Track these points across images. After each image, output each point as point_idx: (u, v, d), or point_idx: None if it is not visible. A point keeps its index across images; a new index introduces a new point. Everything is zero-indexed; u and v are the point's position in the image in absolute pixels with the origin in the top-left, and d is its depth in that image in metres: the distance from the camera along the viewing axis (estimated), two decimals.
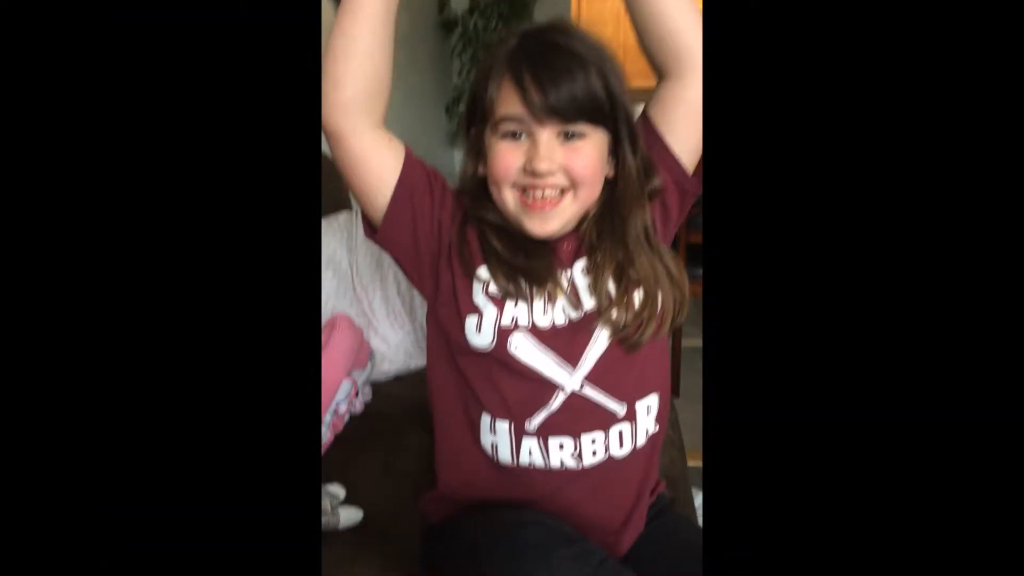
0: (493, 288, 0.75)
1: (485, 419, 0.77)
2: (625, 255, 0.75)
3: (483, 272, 0.75)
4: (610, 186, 0.76)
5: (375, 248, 1.51)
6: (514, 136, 0.72)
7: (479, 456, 0.78)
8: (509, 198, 0.74)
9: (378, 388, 1.40)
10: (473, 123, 0.79)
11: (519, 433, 0.75)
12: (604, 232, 0.76)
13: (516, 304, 0.75)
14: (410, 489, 1.01)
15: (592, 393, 0.75)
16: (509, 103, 0.71)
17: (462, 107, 4.69)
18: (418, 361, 1.50)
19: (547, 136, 0.71)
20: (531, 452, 0.75)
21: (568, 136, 0.72)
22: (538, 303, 0.75)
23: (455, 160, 4.59)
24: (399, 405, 1.32)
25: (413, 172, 0.76)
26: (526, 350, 0.75)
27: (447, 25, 4.22)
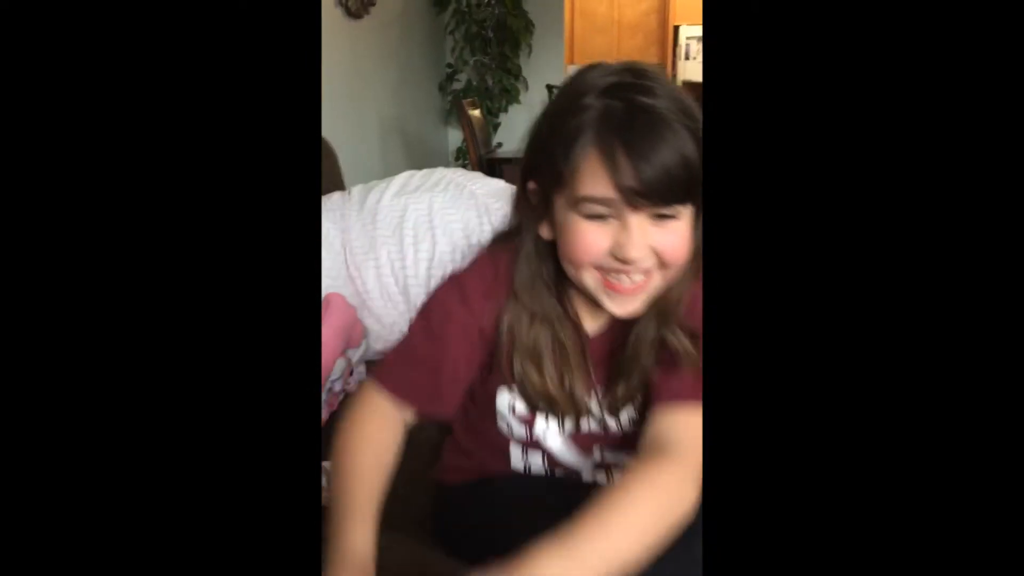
0: (521, 408, 0.77)
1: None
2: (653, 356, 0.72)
3: (509, 395, 0.77)
4: None
5: (368, 227, 1.51)
6: (600, 218, 0.64)
7: (496, 435, 0.82)
8: (588, 279, 0.68)
9: (372, 367, 1.39)
10: (535, 178, 0.70)
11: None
12: (643, 321, 0.71)
13: (546, 418, 0.77)
14: (403, 464, 1.01)
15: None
16: (596, 182, 0.63)
17: (455, 85, 4.68)
18: None
19: (639, 221, 0.63)
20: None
21: (660, 216, 0.64)
22: (569, 419, 0.77)
23: (449, 138, 4.57)
24: None
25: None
26: (553, 440, 0.79)
27: (440, 2, 4.19)
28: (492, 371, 0.77)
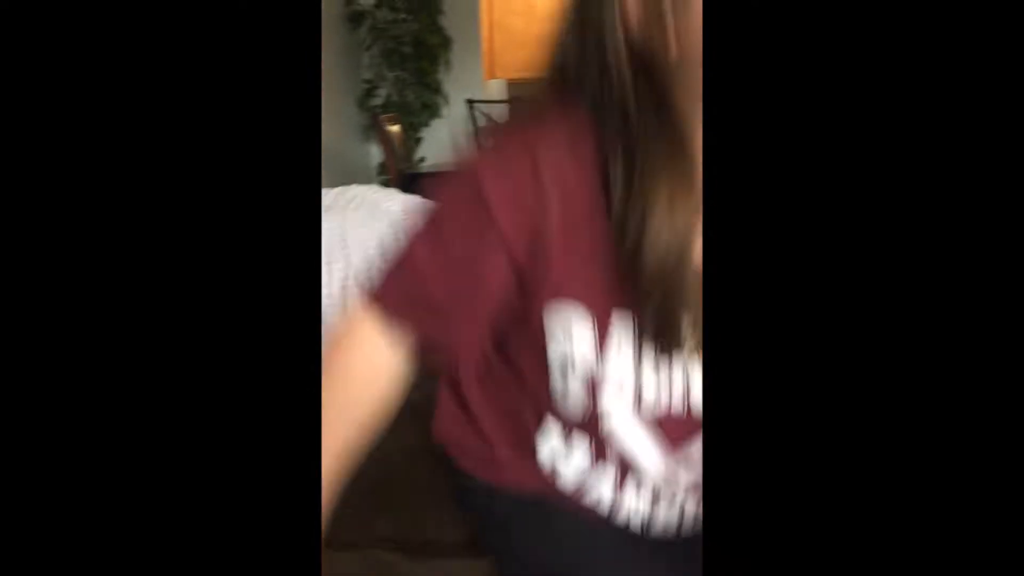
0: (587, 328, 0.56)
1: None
2: None
3: (571, 311, 0.56)
4: None
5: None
6: None
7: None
8: None
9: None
10: None
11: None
12: None
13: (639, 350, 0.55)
14: (398, 433, 0.98)
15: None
16: None
17: (374, 100, 4.64)
18: None
19: None
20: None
21: None
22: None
23: (372, 154, 4.52)
24: None
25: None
26: (622, 420, 0.58)
27: (354, 19, 4.16)
28: (533, 291, 0.55)
